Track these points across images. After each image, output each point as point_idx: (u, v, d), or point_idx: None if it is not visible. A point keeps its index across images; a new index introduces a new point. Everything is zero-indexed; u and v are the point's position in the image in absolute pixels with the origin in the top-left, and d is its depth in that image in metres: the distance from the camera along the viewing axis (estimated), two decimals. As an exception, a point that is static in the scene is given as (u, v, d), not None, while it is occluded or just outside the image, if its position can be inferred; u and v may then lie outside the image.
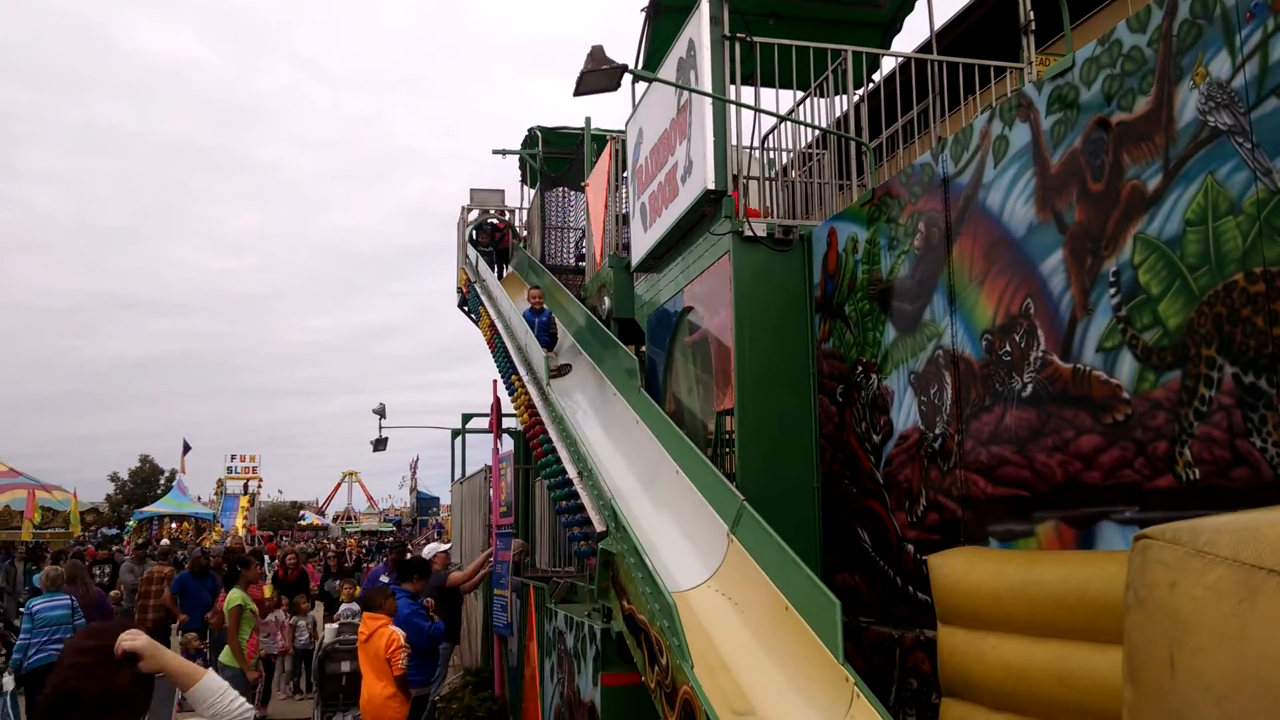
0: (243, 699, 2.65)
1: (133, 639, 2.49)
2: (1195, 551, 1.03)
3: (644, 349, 8.19)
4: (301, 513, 67.23)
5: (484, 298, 11.67)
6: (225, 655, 8.65)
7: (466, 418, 13.92)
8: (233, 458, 53.86)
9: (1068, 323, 3.73)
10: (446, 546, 10.71)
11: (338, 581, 13.99)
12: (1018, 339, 4.00)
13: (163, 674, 2.55)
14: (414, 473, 52.84)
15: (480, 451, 14.65)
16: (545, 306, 9.53)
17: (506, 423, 11.37)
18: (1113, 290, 3.50)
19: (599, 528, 5.55)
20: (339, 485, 77.54)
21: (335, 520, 67.95)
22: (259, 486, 53.46)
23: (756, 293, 5.92)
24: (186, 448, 47.07)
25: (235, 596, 8.74)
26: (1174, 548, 1.07)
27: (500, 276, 12.89)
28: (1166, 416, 3.24)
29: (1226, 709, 0.92)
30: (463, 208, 13.72)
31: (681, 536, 5.80)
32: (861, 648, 4.99)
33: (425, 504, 47.66)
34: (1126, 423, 3.41)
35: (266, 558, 18.68)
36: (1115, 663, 3.03)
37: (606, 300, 8.97)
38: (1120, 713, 2.96)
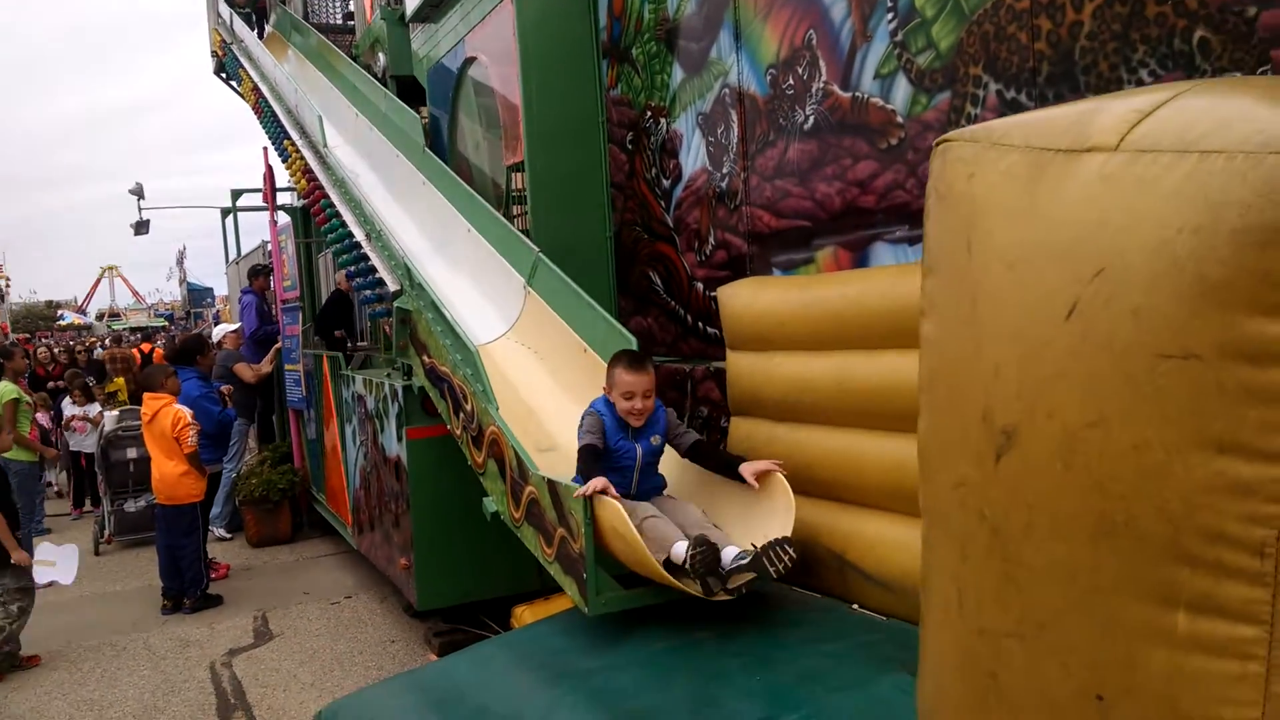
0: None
1: None
2: (991, 145, 1.12)
3: (426, 108, 7.84)
4: (60, 312, 62.58)
5: (244, 60, 10.73)
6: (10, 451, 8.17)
7: (236, 194, 13.07)
8: (-29, 256, 48.91)
9: (848, 51, 3.82)
10: (235, 327, 10.28)
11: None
12: (800, 71, 4.07)
13: None
14: (181, 263, 49.81)
15: (254, 238, 13.85)
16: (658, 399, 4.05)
17: (282, 198, 10.80)
18: (890, 15, 3.59)
19: (393, 287, 5.46)
20: (99, 281, 72.42)
21: (100, 319, 63.75)
22: (7, 285, 49.14)
23: (542, 39, 5.71)
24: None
25: (6, 390, 8.16)
26: (972, 144, 1.15)
27: (260, 36, 11.84)
28: (936, 136, 3.43)
29: (1016, 272, 1.03)
30: (209, -41, 12.34)
31: (478, 293, 5.80)
32: (656, 383, 5.24)
33: (198, 296, 45.32)
34: (900, 146, 3.60)
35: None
36: (886, 366, 3.33)
37: (381, 57, 8.45)
38: (884, 410, 3.27)
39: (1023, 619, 0.94)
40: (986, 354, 1.03)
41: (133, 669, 5.78)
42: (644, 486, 3.78)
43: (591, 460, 3.58)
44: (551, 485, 3.61)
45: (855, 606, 3.40)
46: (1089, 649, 0.88)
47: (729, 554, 3.26)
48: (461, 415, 4.60)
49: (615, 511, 3.24)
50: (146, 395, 7.02)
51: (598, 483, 3.35)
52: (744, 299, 4.14)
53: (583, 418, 3.78)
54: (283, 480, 8.81)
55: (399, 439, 5.56)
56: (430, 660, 5.34)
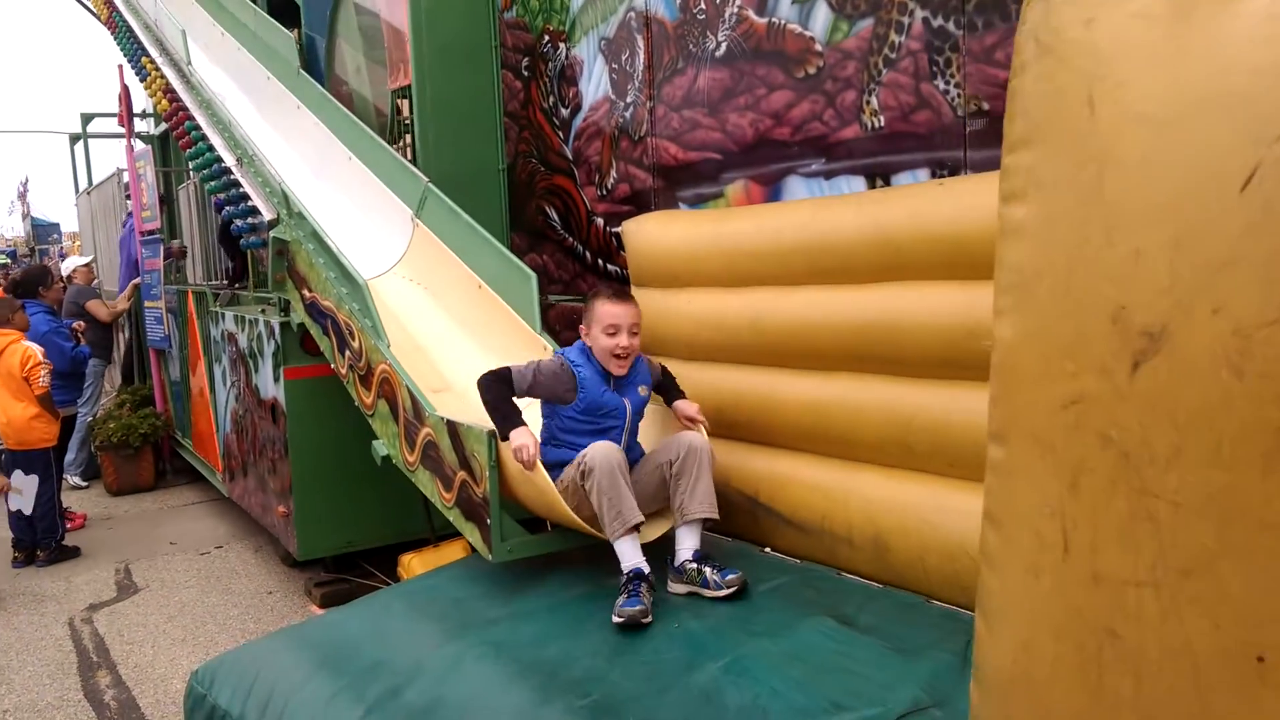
0: None
1: None
2: (1113, -18, 0.95)
3: (300, 29, 7.33)
4: (-115, 247, 57.89)
5: (94, -29, 9.88)
6: None
7: (87, 118, 12.13)
8: None
9: (765, -25, 3.65)
10: (88, 260, 9.56)
11: None
12: (713, -4, 3.89)
13: None
14: (24, 197, 46.87)
15: (107, 168, 12.85)
16: None
17: (138, 126, 10.05)
18: (811, -63, 3.44)
19: (268, 215, 5.08)
20: (-70, 214, 67.29)
21: (-68, 254, 59.27)
22: None
23: (430, -46, 5.37)
24: None
25: None
26: (1088, -17, 0.97)
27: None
28: (857, 66, 3.31)
29: (1164, 135, 0.87)
30: None
31: (360, 224, 5.47)
32: (550, 323, 5.05)
33: (43, 231, 42.50)
34: (818, 75, 3.47)
35: None
36: (803, 302, 3.22)
37: (250, -28, 7.86)
38: (800, 349, 3.17)
39: (1158, 563, 0.81)
40: (1120, 239, 0.88)
41: (-20, 627, 5.34)
42: (631, 452, 3.25)
43: (502, 386, 3.13)
44: (451, 426, 3.40)
45: (767, 549, 3.33)
46: (1248, 599, 0.76)
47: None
48: (348, 353, 4.32)
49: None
50: (-9, 332, 6.44)
51: (526, 443, 2.98)
52: (651, 234, 3.98)
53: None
54: (144, 424, 8.27)
55: (275, 379, 5.22)
56: (312, 612, 5.09)
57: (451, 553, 4.46)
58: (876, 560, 2.90)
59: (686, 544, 2.98)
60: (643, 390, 3.29)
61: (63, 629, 5.25)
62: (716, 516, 3.02)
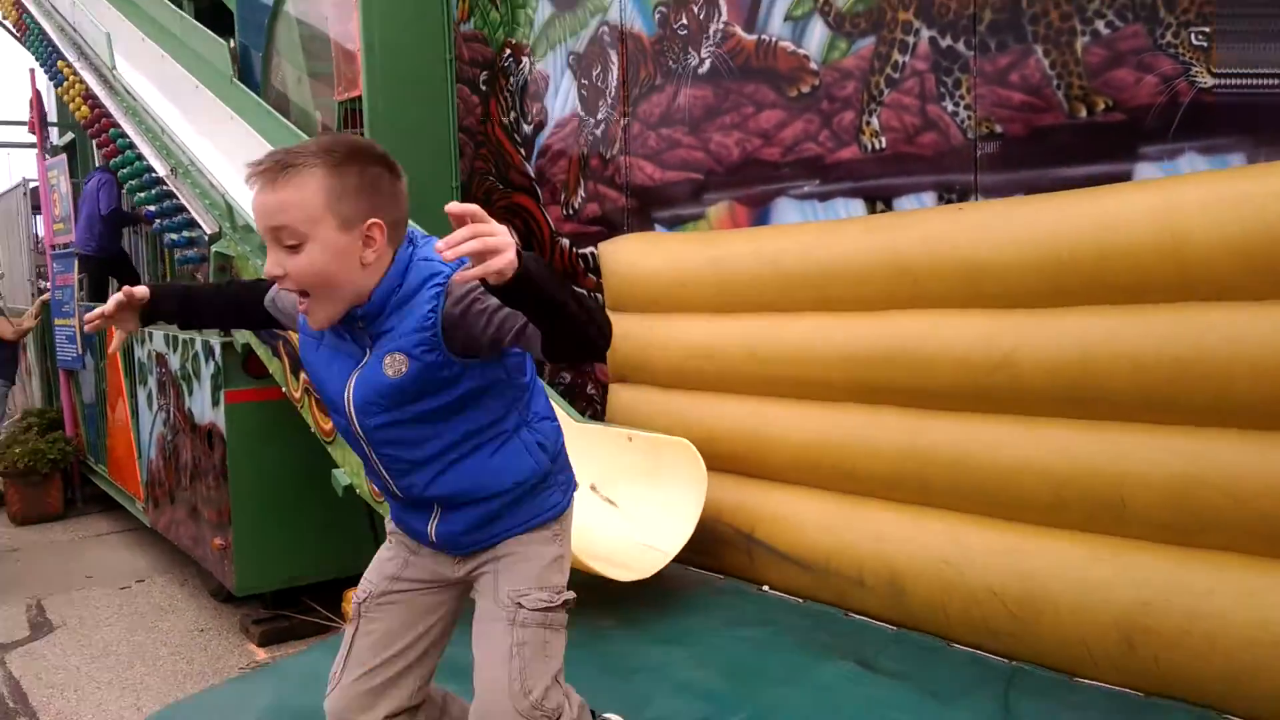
0: None
1: None
2: None
3: (233, 38, 7.01)
4: None
5: (2, -31, 9.34)
6: None
7: (-11, 125, 11.46)
8: None
9: (755, -9, 3.55)
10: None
11: None
12: (696, 11, 3.77)
13: None
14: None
15: (6, 180, 12.09)
16: None
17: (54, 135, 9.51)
18: (808, -46, 3.35)
19: (209, 230, 4.78)
20: None
21: None
22: None
23: (384, -38, 5.15)
24: None
25: None
26: None
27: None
28: (856, 85, 3.22)
29: None
30: None
31: (305, 241, 5.19)
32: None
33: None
34: (813, 94, 3.36)
35: None
36: (806, 329, 3.10)
37: (177, -24, 7.50)
38: (800, 377, 3.04)
39: None
40: None
41: (-125, 674, 4.87)
42: (410, 487, 1.71)
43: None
44: (428, 458, 3.17)
45: (765, 588, 3.18)
46: None
47: None
48: (303, 376, 4.06)
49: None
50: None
51: None
52: (629, 256, 3.83)
53: None
54: (53, 449, 7.76)
55: (215, 403, 4.90)
56: (251, 652, 4.77)
57: (406, 588, 4.21)
58: (892, 603, 2.77)
59: None
60: (393, 364, 1.57)
61: (-28, 674, 4.83)
62: None
